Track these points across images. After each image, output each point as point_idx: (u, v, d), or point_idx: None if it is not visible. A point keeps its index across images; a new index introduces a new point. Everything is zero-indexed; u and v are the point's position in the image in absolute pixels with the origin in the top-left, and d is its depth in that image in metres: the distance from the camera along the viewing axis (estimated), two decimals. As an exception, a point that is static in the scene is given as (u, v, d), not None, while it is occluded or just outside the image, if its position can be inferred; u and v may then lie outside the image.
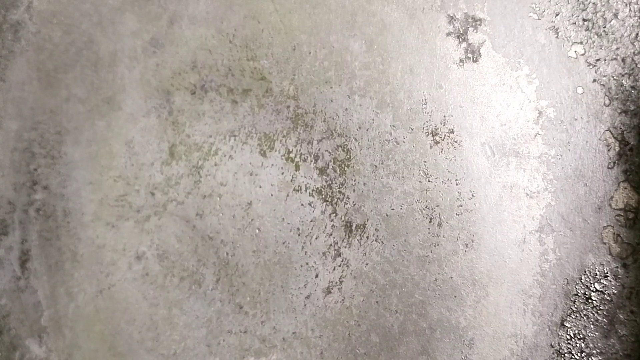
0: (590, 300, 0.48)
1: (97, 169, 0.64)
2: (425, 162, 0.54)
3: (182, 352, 0.58)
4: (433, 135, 0.54)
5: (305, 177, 0.59)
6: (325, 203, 0.58)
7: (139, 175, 0.61)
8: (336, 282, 0.56)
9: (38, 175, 0.66)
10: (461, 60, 0.53)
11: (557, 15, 0.50)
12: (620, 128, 0.48)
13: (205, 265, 0.58)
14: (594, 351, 0.48)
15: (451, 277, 0.53)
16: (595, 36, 0.49)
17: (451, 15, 0.53)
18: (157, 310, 0.59)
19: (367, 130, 0.56)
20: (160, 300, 0.59)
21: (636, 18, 0.48)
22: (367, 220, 0.56)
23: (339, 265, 0.56)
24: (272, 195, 0.57)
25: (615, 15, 0.48)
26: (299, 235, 0.57)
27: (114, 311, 0.62)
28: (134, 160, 0.61)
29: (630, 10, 0.48)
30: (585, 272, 0.49)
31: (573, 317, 0.49)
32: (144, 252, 0.60)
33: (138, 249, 0.60)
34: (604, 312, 0.48)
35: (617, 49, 0.48)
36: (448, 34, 0.53)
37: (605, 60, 0.49)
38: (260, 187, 0.58)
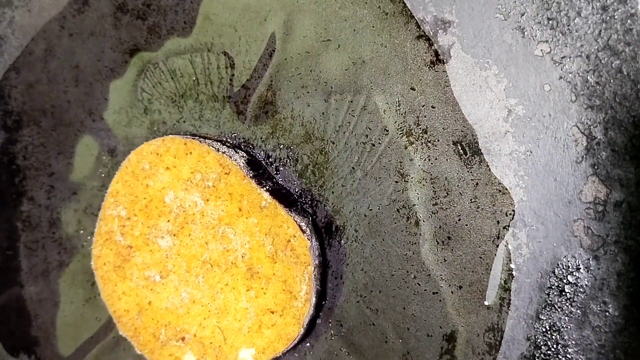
0: (564, 293, 0.49)
1: (81, 180, 0.65)
2: (400, 162, 0.55)
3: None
4: (407, 136, 0.55)
5: (285, 180, 0.60)
6: (305, 205, 0.59)
7: (122, 184, 0.61)
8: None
9: (23, 187, 0.67)
10: (432, 62, 0.54)
11: (522, 15, 0.51)
12: (587, 123, 0.49)
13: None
14: (570, 342, 0.49)
15: (429, 275, 0.54)
16: (560, 34, 0.50)
17: (421, 18, 0.54)
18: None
19: (343, 133, 0.57)
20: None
21: (598, 15, 0.49)
22: (347, 221, 0.57)
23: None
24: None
25: (579, 13, 0.50)
26: (280, 238, 0.58)
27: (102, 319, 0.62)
28: (117, 169, 0.62)
29: (592, 7, 0.49)
30: (558, 265, 0.50)
31: (548, 309, 0.50)
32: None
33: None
34: (578, 304, 0.49)
35: (582, 46, 0.49)
36: (418, 37, 0.54)
37: (570, 57, 0.50)
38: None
